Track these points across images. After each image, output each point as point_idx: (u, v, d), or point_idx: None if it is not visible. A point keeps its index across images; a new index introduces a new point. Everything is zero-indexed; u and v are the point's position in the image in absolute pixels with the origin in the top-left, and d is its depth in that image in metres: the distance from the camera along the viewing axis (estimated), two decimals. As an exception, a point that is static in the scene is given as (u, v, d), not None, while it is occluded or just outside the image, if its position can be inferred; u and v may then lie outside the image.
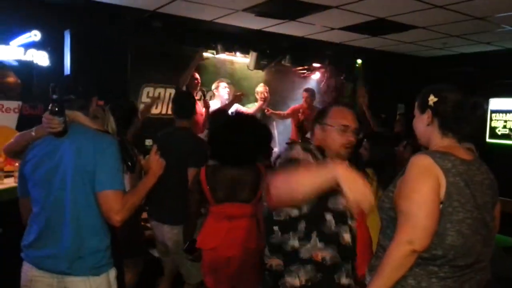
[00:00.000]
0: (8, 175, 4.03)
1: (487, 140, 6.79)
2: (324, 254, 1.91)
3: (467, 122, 1.69)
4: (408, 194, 1.62)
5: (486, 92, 6.53)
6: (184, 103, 3.35)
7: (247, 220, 2.63)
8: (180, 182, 3.02)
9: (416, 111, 1.81)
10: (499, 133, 6.80)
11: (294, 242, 1.93)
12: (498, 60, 6.56)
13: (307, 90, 6.28)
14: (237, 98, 5.26)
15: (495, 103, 6.82)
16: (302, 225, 1.93)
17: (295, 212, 1.92)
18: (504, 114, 6.77)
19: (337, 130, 2.02)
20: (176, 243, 3.07)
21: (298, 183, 1.51)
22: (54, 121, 1.84)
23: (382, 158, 3.00)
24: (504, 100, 6.74)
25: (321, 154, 1.98)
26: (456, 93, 1.71)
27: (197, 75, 5.36)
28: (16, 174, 3.87)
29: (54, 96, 1.84)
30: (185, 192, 3.01)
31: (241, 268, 2.58)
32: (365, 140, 3.14)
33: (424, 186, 1.59)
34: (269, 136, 2.93)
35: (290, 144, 2.04)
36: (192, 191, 2.78)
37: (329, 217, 1.93)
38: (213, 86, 5.73)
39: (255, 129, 2.73)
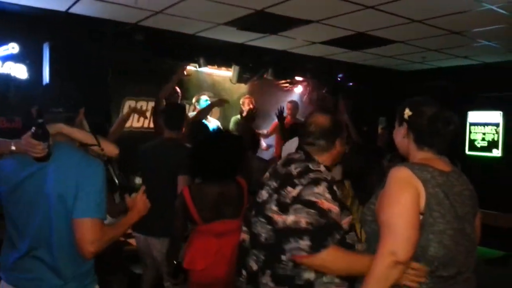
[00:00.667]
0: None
1: (467, 152, 6.90)
2: None
3: (440, 137, 1.71)
4: (388, 206, 1.62)
5: (464, 106, 6.66)
6: (175, 115, 3.34)
7: (235, 236, 2.57)
8: (171, 192, 2.96)
9: (396, 124, 1.84)
10: (478, 145, 6.92)
11: (310, 275, 1.78)
12: (476, 74, 6.71)
13: (291, 102, 6.32)
14: (218, 102, 5.18)
15: (473, 116, 6.95)
16: None
17: None
18: (482, 127, 6.90)
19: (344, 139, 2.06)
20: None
21: (361, 271, 1.62)
22: (38, 147, 1.70)
23: (361, 169, 2.99)
24: (482, 113, 6.87)
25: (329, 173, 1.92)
26: (431, 107, 1.72)
27: (178, 89, 5.34)
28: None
29: (40, 120, 1.70)
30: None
31: (231, 285, 2.53)
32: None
33: (403, 197, 1.60)
34: (244, 148, 2.94)
35: (314, 177, 1.80)
36: (177, 210, 2.68)
37: None
38: (194, 99, 5.73)
39: (233, 143, 2.72)
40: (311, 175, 1.81)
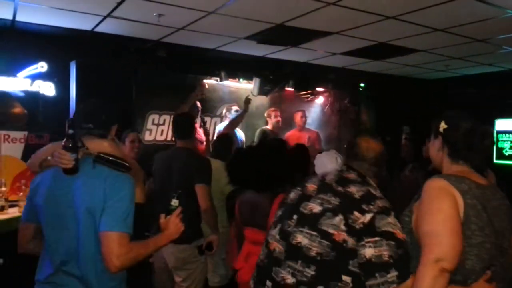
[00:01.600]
0: (13, 204, 4.04)
1: (494, 161, 6.72)
2: None
3: (476, 151, 1.69)
4: (430, 215, 1.59)
5: (491, 113, 6.51)
6: (183, 124, 3.41)
7: None
8: (189, 199, 2.99)
9: (431, 136, 1.83)
10: (506, 153, 6.74)
11: None
12: (502, 81, 6.57)
13: (300, 110, 6.33)
14: (246, 102, 5.38)
15: (501, 124, 6.78)
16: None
17: None
18: (510, 135, 6.72)
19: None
20: (182, 260, 3.13)
21: None
22: (65, 157, 1.78)
23: (384, 179, 3.00)
24: (510, 121, 6.70)
25: None
26: (466, 121, 1.71)
27: (198, 104, 5.41)
28: (21, 203, 3.90)
29: (70, 131, 1.78)
30: (192, 210, 3.10)
31: None
32: None
33: (444, 205, 1.57)
34: (295, 165, 2.91)
35: (383, 206, 1.76)
36: (209, 209, 2.91)
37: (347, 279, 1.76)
38: (224, 110, 5.82)
39: (276, 157, 2.69)
40: (379, 203, 1.75)
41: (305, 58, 5.97)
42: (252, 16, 4.14)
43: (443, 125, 1.74)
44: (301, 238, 1.82)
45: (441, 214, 1.56)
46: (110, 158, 1.87)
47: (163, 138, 5.88)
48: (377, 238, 1.66)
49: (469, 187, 1.61)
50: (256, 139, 5.85)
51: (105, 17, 4.23)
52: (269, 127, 5.99)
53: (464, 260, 1.55)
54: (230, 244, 3.28)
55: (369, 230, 1.69)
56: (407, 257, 1.65)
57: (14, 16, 4.25)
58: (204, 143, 5.14)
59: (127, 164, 1.91)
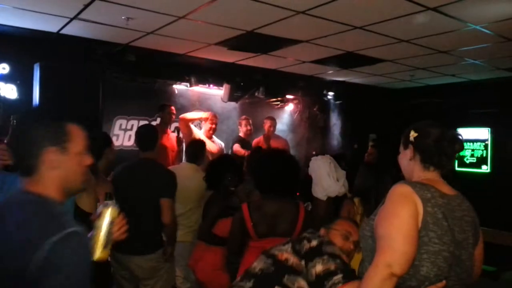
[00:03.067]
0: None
1: (456, 168, 6.96)
2: None
3: (447, 156, 1.72)
4: (386, 219, 1.62)
5: (453, 122, 6.74)
6: (146, 136, 3.39)
7: None
8: (153, 211, 3.11)
9: (401, 148, 1.85)
10: (468, 161, 7.00)
11: None
12: (463, 91, 6.82)
13: (269, 118, 6.12)
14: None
15: (462, 132, 6.92)
16: None
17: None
18: (471, 143, 6.98)
19: (341, 235, 2.15)
20: (149, 269, 3.14)
21: None
22: (5, 152, 1.78)
23: (369, 187, 3.09)
24: (471, 130, 6.96)
25: None
26: (436, 127, 1.75)
27: (173, 109, 5.34)
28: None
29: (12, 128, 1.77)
30: (155, 221, 3.11)
31: None
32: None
33: (402, 211, 1.59)
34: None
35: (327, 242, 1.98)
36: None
37: None
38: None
39: (295, 162, 2.86)
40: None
41: (275, 66, 6.02)
42: (223, 23, 4.14)
43: (413, 134, 1.76)
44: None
45: (397, 219, 1.59)
46: None
47: (130, 143, 5.77)
48: (324, 257, 1.85)
49: (432, 195, 1.64)
50: (234, 146, 5.64)
51: (71, 19, 4.13)
52: (240, 134, 5.91)
53: (419, 266, 1.57)
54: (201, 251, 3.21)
55: (317, 252, 1.89)
56: (353, 272, 1.83)
57: (-26, 16, 4.09)
58: (175, 151, 5.08)
59: None
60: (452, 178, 1.81)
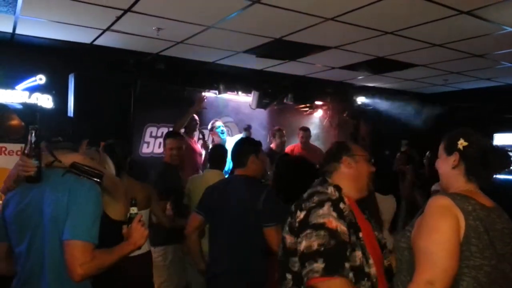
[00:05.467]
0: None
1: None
2: None
3: (491, 169, 1.69)
4: (427, 233, 1.57)
5: (489, 128, 6.51)
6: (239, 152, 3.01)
7: None
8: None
9: (442, 153, 1.79)
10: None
11: None
12: (500, 96, 6.59)
13: (302, 128, 6.05)
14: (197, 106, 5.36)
15: (499, 138, 6.78)
16: None
17: None
18: (509, 149, 6.71)
19: (367, 159, 2.00)
20: None
21: None
22: (28, 163, 1.78)
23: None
24: (508, 135, 6.70)
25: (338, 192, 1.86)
26: (486, 140, 1.72)
27: (196, 117, 5.39)
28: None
29: (33, 139, 1.79)
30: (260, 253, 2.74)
31: None
32: None
33: (444, 225, 1.55)
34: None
35: (318, 199, 1.77)
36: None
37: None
38: (209, 125, 5.54)
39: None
40: (315, 198, 1.77)
41: (304, 72, 5.98)
42: (251, 31, 4.15)
43: (462, 142, 1.70)
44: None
45: (438, 234, 1.54)
46: (86, 167, 1.88)
47: (160, 150, 5.84)
48: (308, 231, 1.69)
49: (473, 208, 1.59)
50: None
51: (104, 31, 4.24)
52: (272, 145, 5.69)
53: (460, 281, 1.52)
54: None
55: (304, 225, 1.74)
56: (339, 249, 1.63)
57: (14, 29, 4.26)
58: (202, 156, 5.12)
59: (101, 174, 1.91)
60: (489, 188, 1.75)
